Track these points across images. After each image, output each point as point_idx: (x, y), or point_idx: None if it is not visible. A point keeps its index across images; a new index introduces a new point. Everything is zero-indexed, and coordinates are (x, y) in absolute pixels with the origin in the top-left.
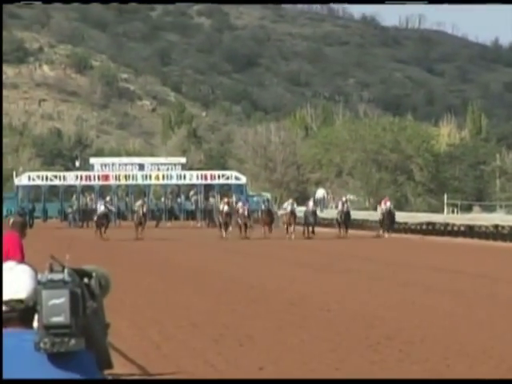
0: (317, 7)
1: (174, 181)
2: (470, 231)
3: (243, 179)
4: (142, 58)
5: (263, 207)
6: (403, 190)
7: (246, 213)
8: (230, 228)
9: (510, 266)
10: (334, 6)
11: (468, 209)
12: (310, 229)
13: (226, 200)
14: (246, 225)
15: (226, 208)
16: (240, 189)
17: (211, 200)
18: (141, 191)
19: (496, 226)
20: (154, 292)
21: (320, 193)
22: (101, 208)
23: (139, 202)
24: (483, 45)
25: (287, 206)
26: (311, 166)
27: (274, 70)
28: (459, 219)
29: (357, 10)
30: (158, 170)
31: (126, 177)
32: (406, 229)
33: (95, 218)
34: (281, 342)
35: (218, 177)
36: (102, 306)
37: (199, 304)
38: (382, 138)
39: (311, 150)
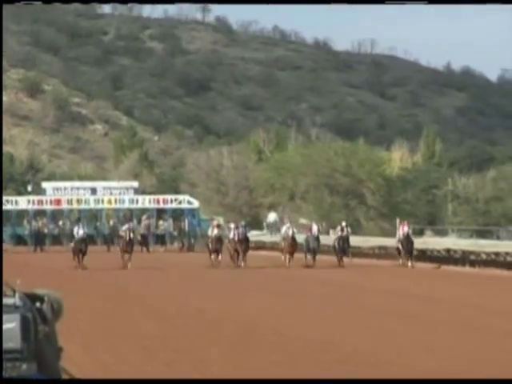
0: (269, 32)
1: (127, 205)
2: (423, 255)
3: (196, 203)
4: (94, 82)
5: (236, 233)
6: (355, 214)
7: (238, 238)
8: (220, 256)
9: (463, 290)
10: (286, 31)
11: (420, 233)
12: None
13: (215, 223)
14: (237, 251)
15: (215, 232)
16: (192, 213)
17: (164, 224)
18: (93, 215)
19: (448, 250)
20: (108, 317)
21: (272, 217)
22: (79, 232)
23: (126, 227)
24: (435, 69)
25: (287, 229)
26: (264, 190)
27: (226, 94)
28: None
29: (309, 35)
30: (111, 194)
31: (78, 201)
32: (359, 253)
33: (72, 244)
34: (234, 367)
35: (171, 201)
36: (54, 331)
37: (152, 329)
38: (334, 163)
39: (264, 174)
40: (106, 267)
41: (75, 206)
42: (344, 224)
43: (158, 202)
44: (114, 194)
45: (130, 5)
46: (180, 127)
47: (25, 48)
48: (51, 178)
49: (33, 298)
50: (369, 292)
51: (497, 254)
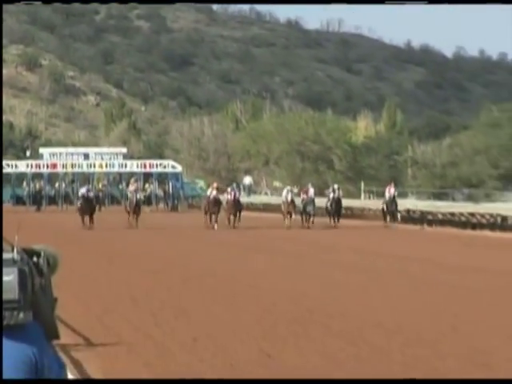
0: (246, 12)
1: (116, 169)
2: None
3: (179, 168)
4: (86, 57)
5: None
6: (324, 178)
7: (235, 200)
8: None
9: (421, 247)
10: (262, 11)
11: (383, 195)
12: (308, 218)
13: (214, 185)
14: (235, 214)
15: (214, 194)
16: (176, 176)
17: (151, 186)
18: (85, 178)
19: (408, 211)
20: (100, 272)
21: (247, 180)
22: (81, 191)
23: (132, 188)
24: (397, 46)
25: (286, 194)
26: (241, 156)
27: (207, 69)
28: (375, 204)
29: (282, 15)
30: (102, 159)
31: (72, 165)
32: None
33: (79, 204)
34: (213, 316)
35: (156, 165)
36: (49, 283)
37: (139, 282)
38: (305, 131)
39: (241, 142)
40: (103, 227)
41: (69, 169)
42: (336, 186)
43: (145, 166)
44: (105, 158)
45: None
46: (165, 99)
47: (24, 26)
48: (48, 144)
49: (30, 252)
50: (341, 250)
51: (452, 214)
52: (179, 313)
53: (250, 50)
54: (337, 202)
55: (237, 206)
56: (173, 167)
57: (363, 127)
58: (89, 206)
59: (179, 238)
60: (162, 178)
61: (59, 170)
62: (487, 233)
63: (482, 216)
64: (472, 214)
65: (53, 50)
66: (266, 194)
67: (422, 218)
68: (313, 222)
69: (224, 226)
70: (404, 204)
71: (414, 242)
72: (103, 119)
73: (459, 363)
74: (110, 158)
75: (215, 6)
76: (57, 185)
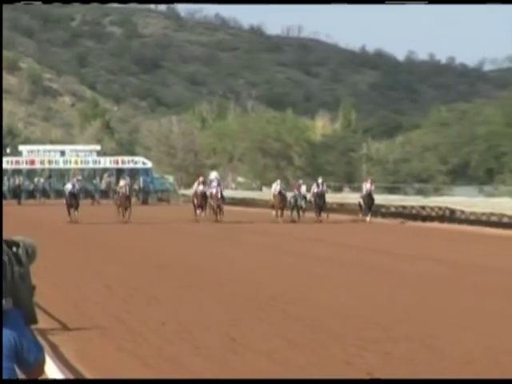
0: (211, 18)
1: (91, 165)
2: (341, 208)
3: (149, 164)
4: (63, 60)
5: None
6: (284, 174)
7: (219, 195)
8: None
9: (376, 237)
10: (226, 17)
11: (339, 189)
12: (298, 212)
13: (201, 179)
14: (219, 207)
15: (201, 188)
16: (146, 172)
17: (122, 181)
18: (61, 174)
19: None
20: (77, 262)
21: (213, 175)
22: (68, 188)
23: (123, 182)
24: (352, 51)
25: (276, 187)
26: (207, 153)
27: (175, 72)
28: (332, 198)
29: (245, 22)
30: (77, 155)
31: (49, 161)
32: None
33: (65, 199)
34: (182, 302)
35: (128, 162)
36: (28, 271)
37: (114, 271)
38: (267, 130)
39: (207, 140)
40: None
41: (47, 165)
42: (320, 181)
43: (117, 162)
44: (80, 155)
45: None
46: (136, 99)
47: (5, 32)
48: (27, 142)
49: (10, 243)
50: (311, 242)
51: (404, 207)
52: (150, 300)
53: (216, 53)
54: (320, 196)
55: (220, 200)
56: (143, 163)
57: (321, 126)
58: (75, 201)
59: (153, 229)
60: (134, 174)
61: (37, 166)
62: (436, 225)
63: (432, 209)
64: (422, 207)
65: (31, 54)
66: (231, 188)
67: (376, 211)
68: (303, 216)
69: (201, 218)
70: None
71: (370, 233)
72: (78, 118)
73: (410, 346)
74: (85, 155)
75: (183, 13)
76: (35, 180)
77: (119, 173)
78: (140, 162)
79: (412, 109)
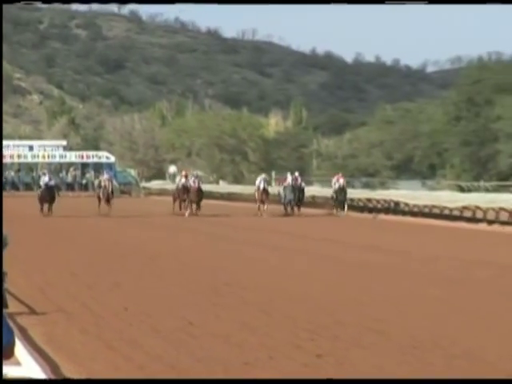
0: (171, 22)
1: (57, 159)
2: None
3: (112, 158)
4: (31, 61)
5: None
6: (240, 168)
7: (196, 187)
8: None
9: (327, 229)
10: (185, 21)
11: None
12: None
13: (184, 173)
14: (197, 202)
15: (183, 181)
16: (110, 166)
17: (87, 175)
18: (30, 167)
19: (313, 197)
20: (44, 250)
21: (172, 169)
22: (44, 180)
23: (106, 176)
24: (303, 53)
25: (259, 182)
26: (166, 148)
27: (137, 72)
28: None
29: (203, 25)
30: (44, 150)
31: (18, 156)
32: (242, 199)
33: (39, 193)
34: (143, 288)
35: (92, 156)
36: (0, 259)
37: (79, 259)
38: (223, 126)
39: (167, 136)
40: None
41: (16, 159)
42: (297, 174)
43: (82, 157)
44: (47, 150)
45: None
46: (100, 98)
47: None
48: None
49: None
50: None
51: (352, 199)
52: (112, 285)
53: (175, 55)
54: (299, 190)
55: (199, 194)
56: (107, 158)
57: (274, 123)
58: (49, 194)
59: (119, 220)
60: (98, 168)
61: (7, 160)
62: (382, 216)
63: (378, 201)
64: (369, 200)
65: (2, 55)
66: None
67: (325, 203)
68: (297, 210)
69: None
70: (310, 191)
71: (321, 224)
72: (46, 115)
73: (357, 330)
74: (52, 150)
75: (144, 16)
76: (6, 173)
77: (84, 167)
78: (104, 156)
79: (359, 107)
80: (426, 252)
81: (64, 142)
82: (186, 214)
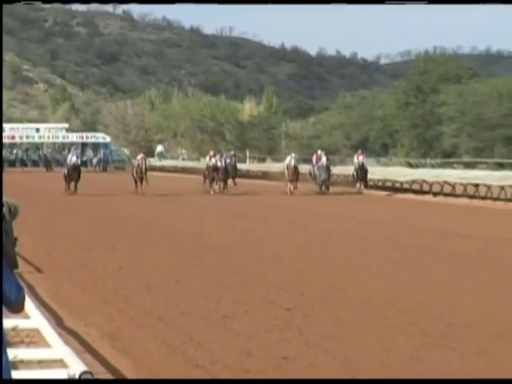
0: (159, 21)
1: (60, 140)
2: (264, 175)
3: (108, 139)
4: (38, 54)
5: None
6: (218, 147)
7: (225, 167)
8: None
9: (296, 200)
10: (171, 19)
11: (263, 160)
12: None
13: (211, 153)
14: (225, 180)
15: (213, 161)
16: (106, 145)
17: (90, 153)
18: (36, 147)
19: (282, 173)
20: (49, 220)
21: (159, 148)
22: (72, 159)
23: (140, 156)
24: (273, 47)
25: (289, 161)
26: (155, 130)
27: (129, 64)
28: (257, 167)
29: (187, 23)
30: (49, 132)
31: (26, 137)
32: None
33: (65, 171)
34: (135, 252)
35: (91, 137)
36: (11, 226)
37: (80, 226)
38: (204, 111)
39: (155, 119)
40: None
41: (25, 140)
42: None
43: (82, 137)
44: (52, 132)
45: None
46: (97, 86)
47: None
48: (9, 120)
49: None
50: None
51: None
52: (109, 249)
53: (163, 49)
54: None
55: (226, 173)
56: (103, 138)
57: (248, 108)
58: (76, 173)
59: (115, 193)
60: (95, 147)
61: (17, 140)
62: (342, 188)
63: (338, 176)
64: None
65: (12, 49)
66: (183, 159)
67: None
68: (327, 189)
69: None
70: (280, 167)
71: (288, 197)
72: (50, 102)
73: (321, 288)
74: (56, 131)
75: (136, 16)
76: (15, 151)
77: (84, 146)
78: (101, 137)
79: (322, 95)
80: (381, 220)
81: (66, 125)
82: (212, 192)
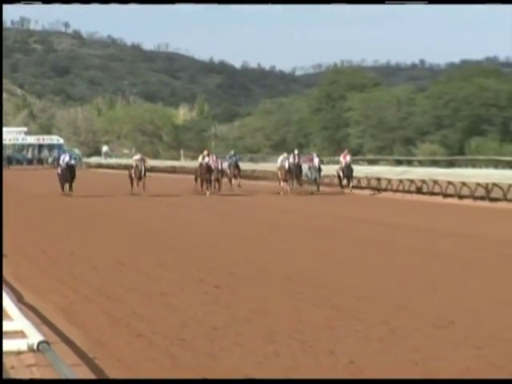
0: (105, 38)
1: (20, 141)
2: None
3: (61, 140)
4: None
5: (230, 161)
6: (157, 147)
7: (220, 167)
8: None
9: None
10: (115, 37)
11: (195, 158)
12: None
13: (205, 152)
14: (218, 180)
15: (206, 160)
16: (59, 146)
17: (42, 153)
18: None
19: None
20: (10, 209)
21: (104, 148)
22: (65, 159)
23: (137, 157)
24: (203, 61)
25: (283, 161)
26: (102, 133)
27: (80, 76)
28: (191, 164)
29: (128, 40)
30: (10, 134)
31: None
32: (158, 170)
33: (59, 171)
34: (85, 238)
35: (46, 139)
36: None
37: (35, 216)
38: (144, 116)
39: (102, 124)
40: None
41: None
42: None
43: (39, 139)
44: (12, 134)
45: (21, 21)
46: (52, 95)
47: None
48: None
49: None
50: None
51: (242, 170)
52: (63, 235)
53: (108, 63)
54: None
55: (220, 174)
56: (57, 140)
57: (182, 114)
58: (70, 173)
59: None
60: (50, 148)
61: None
62: (265, 183)
63: (260, 172)
64: (254, 171)
65: None
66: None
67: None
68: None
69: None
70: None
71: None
72: (12, 109)
73: (247, 268)
74: (16, 134)
75: (84, 34)
76: None
77: (40, 147)
78: (55, 139)
79: (246, 102)
80: (301, 211)
81: (25, 129)
82: (207, 194)
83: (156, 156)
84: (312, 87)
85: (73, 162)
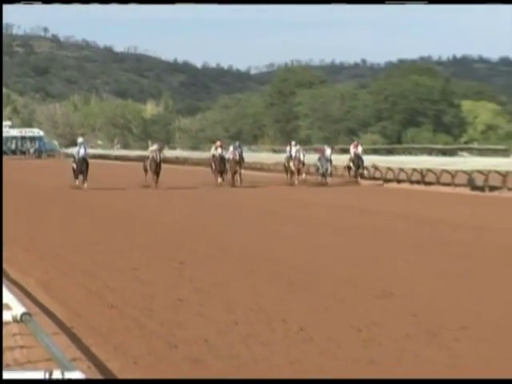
0: (81, 41)
1: (5, 134)
2: (177, 160)
3: (41, 133)
4: None
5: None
6: (127, 139)
7: (237, 158)
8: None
9: (191, 178)
10: (89, 40)
11: (160, 150)
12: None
13: (218, 143)
14: (235, 172)
15: (219, 151)
16: (40, 138)
17: (28, 144)
18: None
19: (176, 158)
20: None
21: (80, 140)
22: (80, 152)
23: (154, 147)
24: (167, 61)
25: (294, 151)
26: (77, 126)
27: (58, 76)
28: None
29: (101, 43)
30: None
31: None
32: (127, 159)
33: (74, 164)
34: (65, 222)
35: (28, 132)
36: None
37: (21, 207)
38: (116, 110)
39: (78, 118)
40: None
41: None
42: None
43: (22, 132)
44: None
45: (6, 26)
46: (33, 93)
47: None
48: None
49: None
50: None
51: (202, 159)
52: (44, 222)
53: (83, 64)
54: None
55: (238, 165)
56: (38, 133)
57: (150, 109)
58: (86, 166)
59: (59, 174)
60: (32, 140)
61: None
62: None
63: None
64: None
65: None
66: (117, 148)
67: (184, 162)
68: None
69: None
70: (175, 154)
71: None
72: None
73: (209, 246)
74: (3, 128)
75: (62, 38)
76: None
77: (22, 139)
78: (36, 132)
79: (206, 98)
80: (263, 195)
81: (9, 123)
82: (218, 183)
83: (126, 147)
84: (265, 84)
85: (87, 154)
